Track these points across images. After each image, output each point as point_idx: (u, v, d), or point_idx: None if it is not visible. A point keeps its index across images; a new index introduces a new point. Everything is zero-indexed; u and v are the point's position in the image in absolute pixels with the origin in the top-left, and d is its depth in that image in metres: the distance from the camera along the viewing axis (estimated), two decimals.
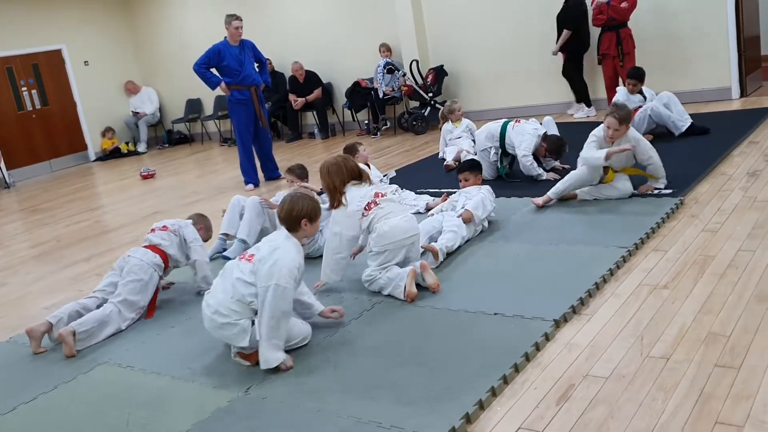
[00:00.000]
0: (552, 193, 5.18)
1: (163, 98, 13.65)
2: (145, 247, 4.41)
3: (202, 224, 4.81)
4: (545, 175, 5.90)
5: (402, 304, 3.87)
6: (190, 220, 4.71)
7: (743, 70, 8.14)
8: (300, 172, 5.54)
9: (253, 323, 3.36)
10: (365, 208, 4.05)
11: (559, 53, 8.62)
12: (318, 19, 11.09)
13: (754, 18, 8.48)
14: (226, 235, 5.32)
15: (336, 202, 4.09)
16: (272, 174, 8.08)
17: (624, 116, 4.83)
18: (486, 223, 4.92)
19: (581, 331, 3.28)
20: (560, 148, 5.89)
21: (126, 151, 12.92)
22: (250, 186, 7.86)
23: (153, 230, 4.53)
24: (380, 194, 4.10)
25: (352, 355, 3.38)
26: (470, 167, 5.25)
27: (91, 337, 4.01)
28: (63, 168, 12.71)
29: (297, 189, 4.98)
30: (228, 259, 5.11)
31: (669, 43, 8.23)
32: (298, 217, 3.44)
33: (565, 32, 8.41)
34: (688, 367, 2.80)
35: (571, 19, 8.46)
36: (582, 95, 8.72)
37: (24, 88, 12.29)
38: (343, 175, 4.11)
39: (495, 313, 3.54)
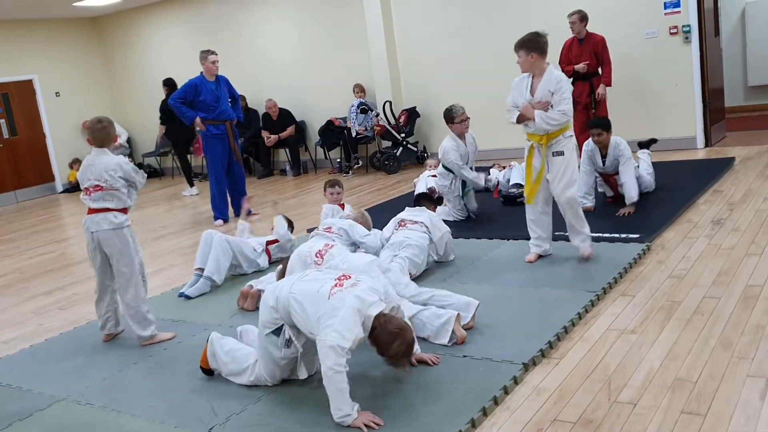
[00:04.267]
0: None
1: (134, 132, 13.57)
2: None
3: None
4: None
5: (367, 345, 3.82)
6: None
7: (708, 121, 8.35)
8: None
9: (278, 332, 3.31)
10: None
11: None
12: (293, 57, 11.18)
13: (717, 71, 8.74)
14: (201, 270, 5.24)
15: None
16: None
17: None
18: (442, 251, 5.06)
19: (550, 375, 3.27)
20: None
21: None
22: (219, 222, 7.79)
23: None
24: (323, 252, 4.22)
25: (316, 396, 3.32)
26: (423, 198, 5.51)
27: None
28: (29, 199, 12.51)
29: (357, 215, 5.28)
30: (189, 298, 5.04)
31: (636, 93, 8.42)
32: (385, 344, 3.08)
33: (160, 127, 9.91)
34: (655, 413, 2.81)
35: (162, 112, 10.27)
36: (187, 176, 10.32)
37: None
38: None
39: (464, 356, 3.52)
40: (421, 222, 4.99)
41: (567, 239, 5.25)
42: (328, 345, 2.94)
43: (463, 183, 6.16)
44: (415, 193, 7.11)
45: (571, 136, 4.67)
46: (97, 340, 4.48)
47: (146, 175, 4.46)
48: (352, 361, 3.34)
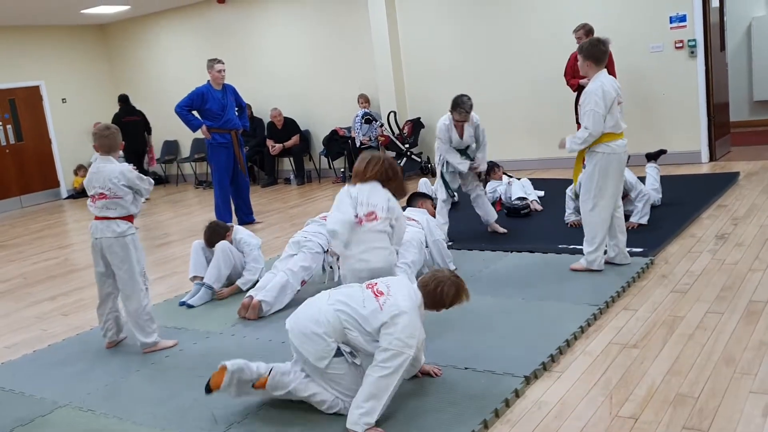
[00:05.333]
0: None
1: None
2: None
3: None
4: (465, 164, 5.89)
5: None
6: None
7: (712, 135, 8.36)
8: None
9: (338, 353, 3.10)
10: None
11: None
12: (298, 67, 11.23)
13: (723, 85, 8.75)
14: (199, 278, 5.26)
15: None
16: (246, 219, 8.05)
17: None
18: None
19: (551, 388, 3.27)
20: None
21: None
22: None
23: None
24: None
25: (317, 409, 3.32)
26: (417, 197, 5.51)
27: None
28: (34, 204, 12.55)
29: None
30: (191, 307, 5.05)
31: (641, 107, 8.44)
32: (440, 299, 3.23)
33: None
34: (657, 428, 2.80)
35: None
36: None
37: None
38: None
39: (465, 368, 3.52)
40: (417, 221, 5.01)
41: (570, 252, 5.27)
42: (393, 351, 2.96)
43: (446, 163, 5.97)
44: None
45: (596, 152, 4.59)
46: (100, 347, 4.49)
47: (153, 181, 4.47)
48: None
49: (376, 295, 3.10)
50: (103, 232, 4.19)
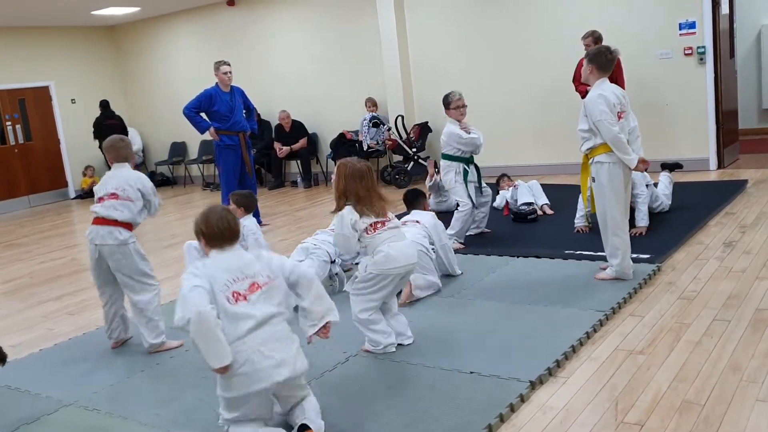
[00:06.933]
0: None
1: (147, 140, 13.68)
2: None
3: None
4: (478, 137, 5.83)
5: (376, 358, 3.83)
6: None
7: (721, 143, 8.33)
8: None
9: None
10: (371, 227, 3.76)
11: None
12: (306, 70, 11.26)
13: (732, 92, 8.72)
14: None
15: (338, 208, 3.79)
16: None
17: None
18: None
19: (556, 393, 3.26)
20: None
21: None
22: None
23: None
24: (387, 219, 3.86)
25: (324, 408, 3.31)
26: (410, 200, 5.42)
27: None
28: (42, 204, 12.60)
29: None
30: None
31: (649, 114, 8.41)
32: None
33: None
34: None
35: (95, 128, 11.81)
36: None
37: (8, 123, 12.27)
38: (361, 188, 3.75)
39: (471, 372, 3.51)
40: (418, 221, 4.99)
41: (577, 258, 5.25)
42: None
43: (465, 172, 5.91)
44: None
45: (601, 162, 4.51)
46: (106, 347, 4.50)
47: (162, 201, 4.48)
48: (356, 374, 3.34)
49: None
50: (104, 239, 4.17)
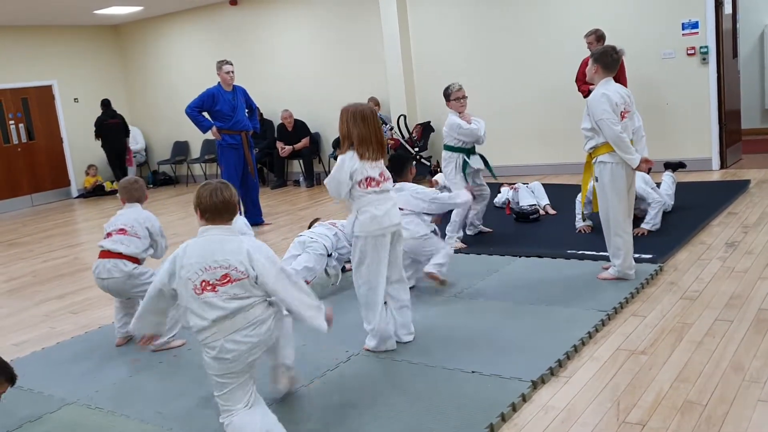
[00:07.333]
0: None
1: (150, 140, 13.69)
2: None
3: None
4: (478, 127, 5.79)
5: (378, 357, 3.83)
6: None
7: (724, 143, 8.32)
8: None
9: None
10: (365, 181, 3.75)
11: None
12: (309, 69, 11.26)
13: (734, 93, 8.71)
14: None
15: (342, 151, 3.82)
16: (256, 220, 8.07)
17: None
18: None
19: (558, 393, 3.26)
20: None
21: (109, 189, 12.89)
22: None
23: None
24: (384, 176, 3.82)
25: (326, 407, 3.33)
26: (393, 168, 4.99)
27: None
28: (44, 203, 12.62)
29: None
30: None
31: (652, 113, 8.40)
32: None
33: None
34: None
35: (97, 127, 12.00)
36: None
37: (11, 122, 12.29)
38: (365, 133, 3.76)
39: (472, 371, 3.51)
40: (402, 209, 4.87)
41: (580, 257, 5.25)
42: None
43: (464, 163, 5.92)
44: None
45: (604, 162, 4.51)
46: (108, 345, 4.51)
47: (167, 248, 4.49)
48: (357, 373, 3.34)
49: None
50: (111, 273, 4.27)
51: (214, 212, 2.94)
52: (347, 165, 3.74)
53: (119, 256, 4.28)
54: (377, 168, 3.81)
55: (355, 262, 3.88)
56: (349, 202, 3.83)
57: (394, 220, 3.83)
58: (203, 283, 2.85)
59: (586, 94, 7.82)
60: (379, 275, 3.83)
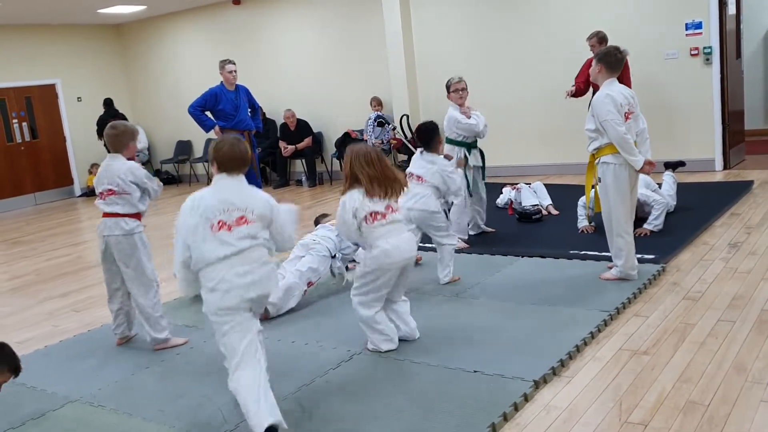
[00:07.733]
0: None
1: (153, 139, 13.71)
2: None
3: None
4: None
5: (380, 356, 3.84)
6: None
7: (727, 143, 8.31)
8: None
9: None
10: (371, 216, 3.77)
11: None
12: (312, 69, 11.27)
13: (738, 93, 8.70)
14: None
15: (343, 191, 3.90)
16: None
17: None
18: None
19: (560, 393, 3.26)
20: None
21: None
22: None
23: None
24: (392, 208, 3.84)
25: (327, 406, 3.33)
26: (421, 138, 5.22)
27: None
28: (48, 201, 12.64)
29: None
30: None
31: (655, 114, 8.39)
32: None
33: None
34: None
35: (99, 126, 11.72)
36: None
37: (15, 121, 12.31)
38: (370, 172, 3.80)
39: (475, 371, 3.51)
40: (421, 177, 5.00)
41: (582, 258, 5.25)
42: None
43: (465, 159, 5.89)
44: None
45: (607, 163, 4.49)
46: (111, 343, 4.52)
47: (162, 184, 4.51)
48: (359, 372, 3.34)
49: None
50: (111, 230, 4.24)
51: (232, 164, 3.21)
52: (348, 205, 3.79)
53: (119, 215, 4.26)
54: (384, 202, 3.83)
55: (358, 282, 3.88)
56: (362, 239, 3.85)
57: (405, 255, 3.83)
58: (220, 222, 3.11)
59: (579, 91, 7.80)
60: (382, 292, 3.87)
